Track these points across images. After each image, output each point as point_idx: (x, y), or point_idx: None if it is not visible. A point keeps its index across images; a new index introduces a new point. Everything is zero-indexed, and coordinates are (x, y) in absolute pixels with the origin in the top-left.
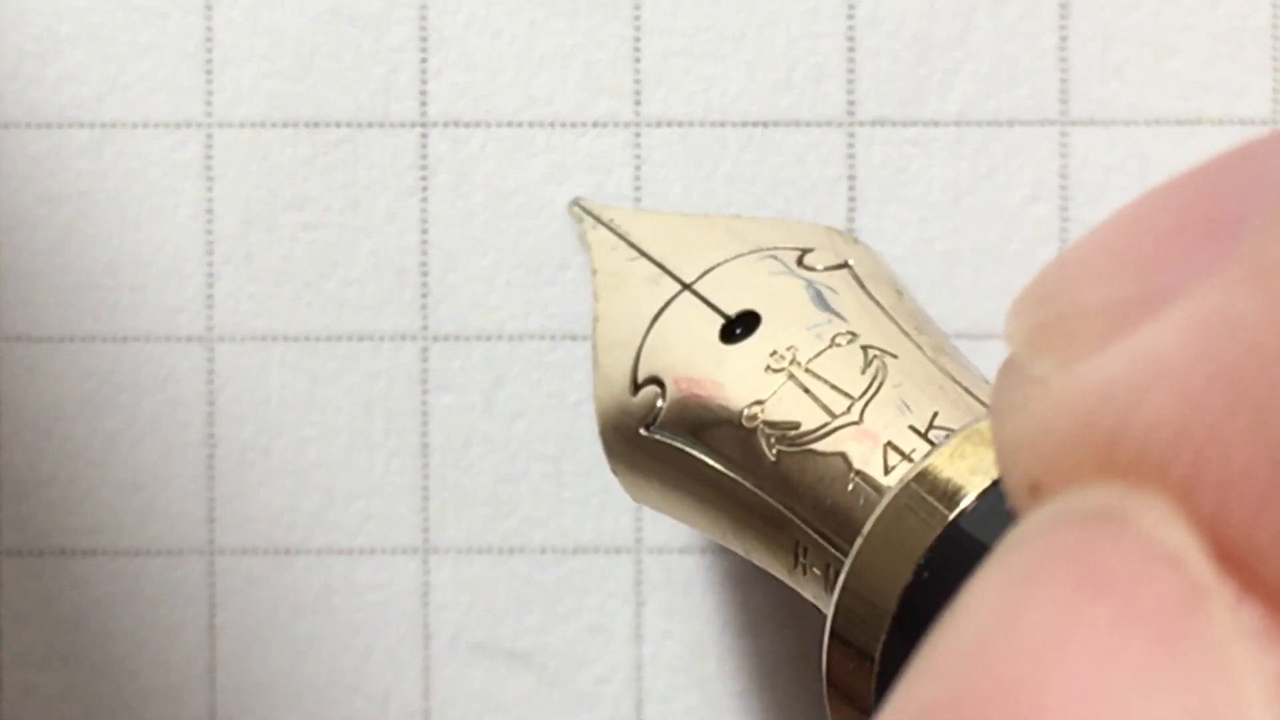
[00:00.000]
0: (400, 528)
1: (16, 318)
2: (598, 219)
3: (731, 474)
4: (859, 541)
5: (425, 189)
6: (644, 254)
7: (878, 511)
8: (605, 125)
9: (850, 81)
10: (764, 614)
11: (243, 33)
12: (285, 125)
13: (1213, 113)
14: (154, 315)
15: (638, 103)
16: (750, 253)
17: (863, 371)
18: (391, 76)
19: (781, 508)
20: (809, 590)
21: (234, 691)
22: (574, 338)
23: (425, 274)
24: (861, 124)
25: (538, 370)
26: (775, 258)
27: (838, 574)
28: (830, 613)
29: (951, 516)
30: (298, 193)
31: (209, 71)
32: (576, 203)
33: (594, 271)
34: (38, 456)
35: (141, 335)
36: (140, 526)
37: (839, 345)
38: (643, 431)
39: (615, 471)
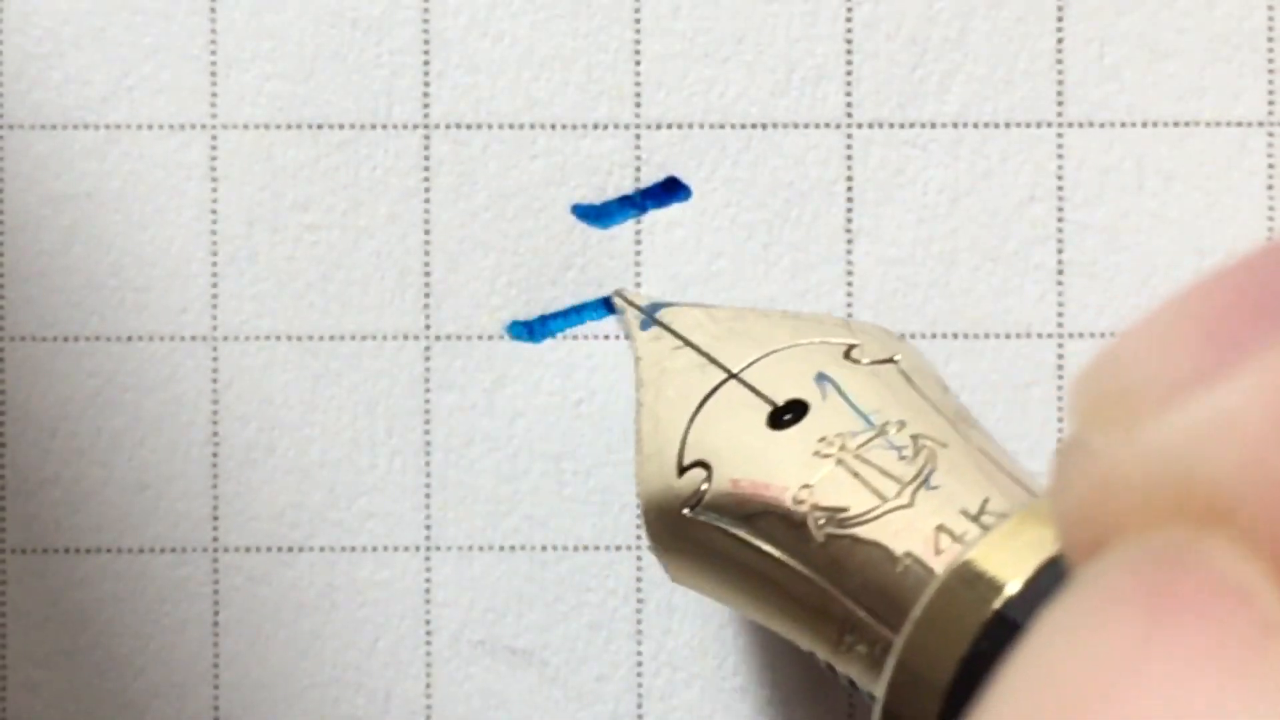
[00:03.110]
0: (403, 526)
1: (22, 317)
2: (640, 309)
3: (777, 554)
4: (913, 619)
5: (428, 190)
6: (689, 343)
7: (934, 588)
8: (606, 127)
9: (848, 83)
10: None
11: (247, 35)
12: (289, 127)
13: (1208, 115)
14: (159, 315)
15: (638, 104)
16: (795, 345)
17: (913, 459)
18: (394, 79)
19: (828, 586)
20: (853, 668)
21: (237, 688)
22: (575, 338)
23: (428, 274)
24: (859, 125)
25: (539, 370)
26: (822, 350)
27: (884, 652)
28: (882, 691)
29: (1006, 594)
30: (301, 194)
31: (213, 74)
32: (619, 293)
33: (637, 359)
34: (43, 455)
35: (146, 335)
36: (145, 524)
37: (888, 434)
38: (686, 512)
39: (656, 552)
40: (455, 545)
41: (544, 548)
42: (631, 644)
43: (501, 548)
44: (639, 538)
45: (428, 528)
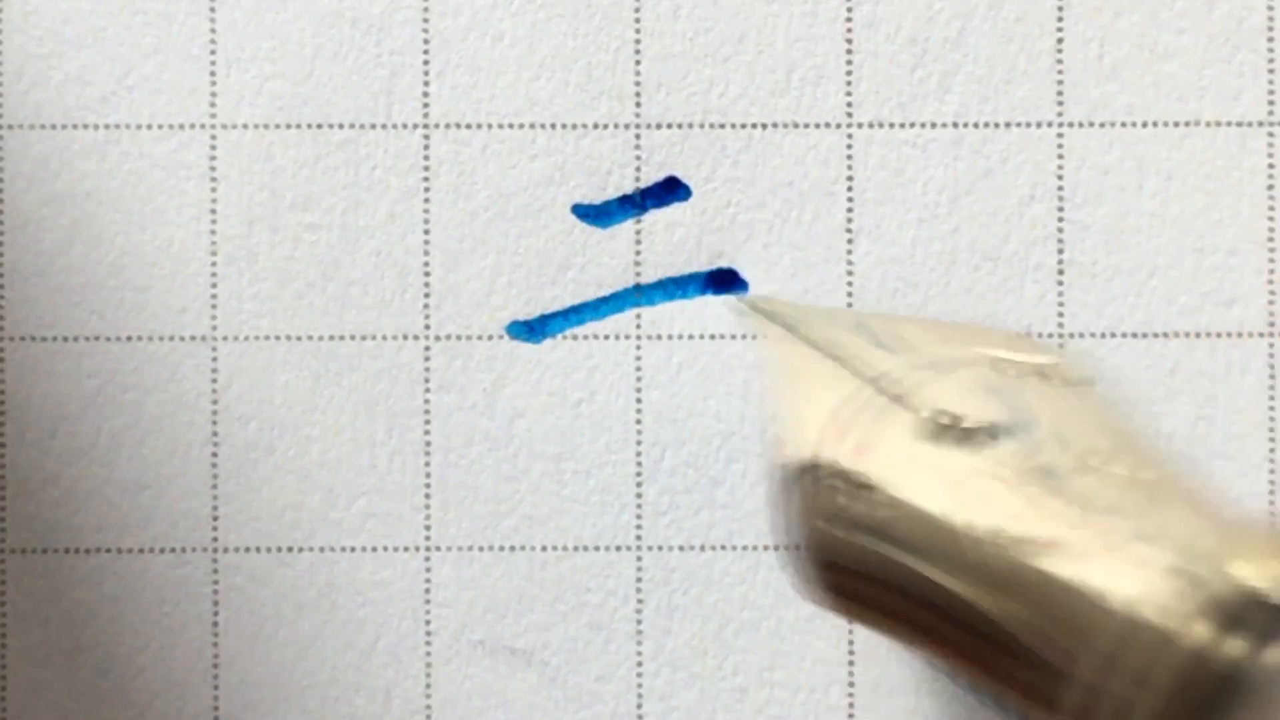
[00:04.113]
0: (402, 526)
1: (23, 317)
2: (769, 315)
3: (949, 584)
4: (1162, 683)
5: (427, 190)
6: (819, 348)
7: (1189, 645)
8: (606, 127)
9: (848, 84)
10: (764, 612)
11: (246, 35)
12: (289, 127)
13: (1208, 115)
14: (159, 315)
15: (638, 105)
16: (964, 356)
17: (1124, 490)
18: (394, 79)
19: (1011, 622)
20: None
21: (237, 688)
22: (575, 338)
23: (427, 274)
24: (860, 126)
25: (539, 370)
26: (1007, 365)
27: (1096, 701)
28: None
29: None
30: (301, 194)
31: (213, 74)
32: (744, 300)
33: (770, 364)
34: (43, 455)
35: (146, 335)
36: (145, 524)
37: (1089, 462)
38: (840, 534)
39: (809, 590)
40: (455, 545)
41: (544, 548)
42: (631, 644)
43: (501, 548)
44: (639, 538)
45: (428, 528)
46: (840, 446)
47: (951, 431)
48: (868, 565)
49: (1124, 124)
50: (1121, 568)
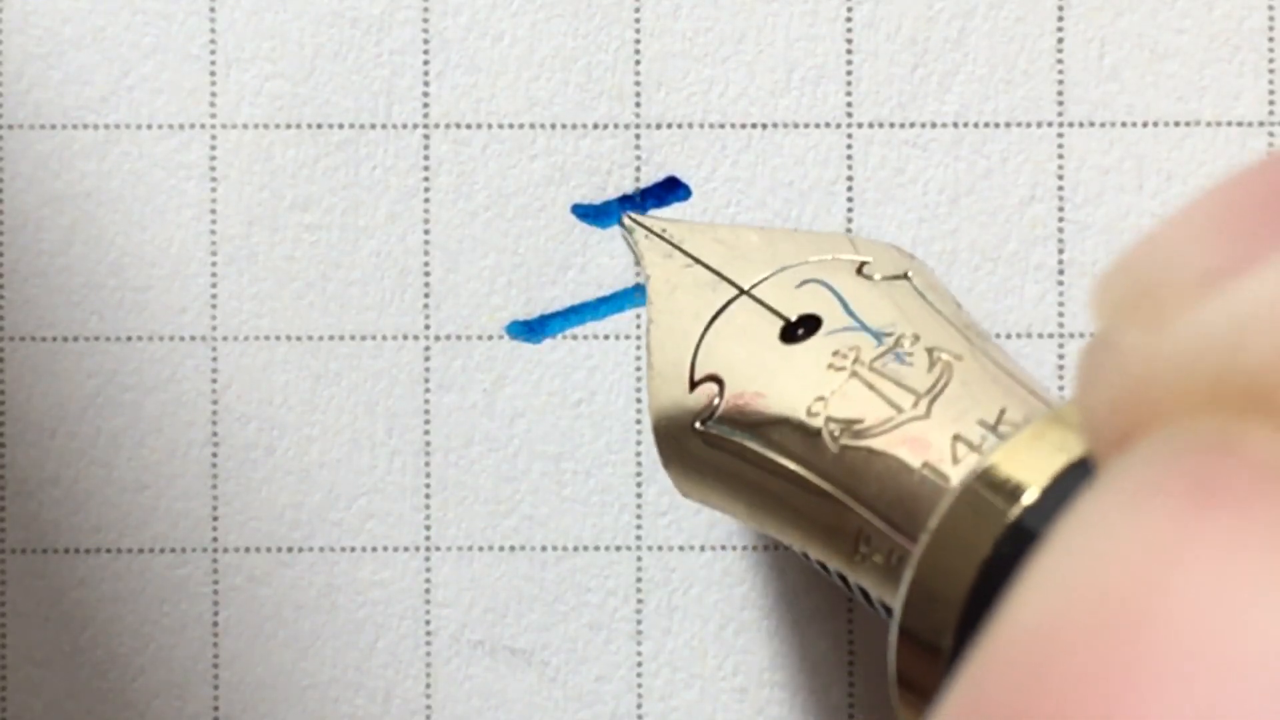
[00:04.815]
0: (402, 526)
1: (22, 317)
2: (650, 230)
3: (791, 465)
4: (930, 529)
5: (427, 190)
6: (699, 261)
7: (951, 497)
8: (606, 127)
9: (849, 83)
10: (764, 612)
11: (246, 35)
12: (289, 127)
13: (1208, 115)
14: (158, 315)
15: (638, 104)
16: (806, 262)
17: (928, 371)
18: (394, 78)
19: (843, 497)
20: (868, 580)
21: (237, 689)
22: (575, 338)
23: (427, 274)
24: (860, 125)
25: (539, 370)
26: (834, 266)
27: (899, 563)
28: (899, 603)
29: (1027, 500)
30: (301, 194)
31: (213, 73)
32: (627, 215)
33: (647, 278)
34: (43, 455)
35: (146, 335)
36: (144, 524)
37: (903, 346)
38: (698, 426)
39: (667, 466)
40: (455, 545)
41: (544, 548)
42: (631, 644)
43: (501, 548)
44: (639, 538)
45: (428, 528)
46: (707, 353)
47: (787, 327)
48: (724, 448)
49: (1124, 124)
50: (923, 439)
